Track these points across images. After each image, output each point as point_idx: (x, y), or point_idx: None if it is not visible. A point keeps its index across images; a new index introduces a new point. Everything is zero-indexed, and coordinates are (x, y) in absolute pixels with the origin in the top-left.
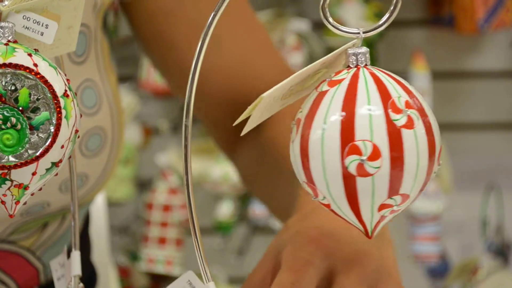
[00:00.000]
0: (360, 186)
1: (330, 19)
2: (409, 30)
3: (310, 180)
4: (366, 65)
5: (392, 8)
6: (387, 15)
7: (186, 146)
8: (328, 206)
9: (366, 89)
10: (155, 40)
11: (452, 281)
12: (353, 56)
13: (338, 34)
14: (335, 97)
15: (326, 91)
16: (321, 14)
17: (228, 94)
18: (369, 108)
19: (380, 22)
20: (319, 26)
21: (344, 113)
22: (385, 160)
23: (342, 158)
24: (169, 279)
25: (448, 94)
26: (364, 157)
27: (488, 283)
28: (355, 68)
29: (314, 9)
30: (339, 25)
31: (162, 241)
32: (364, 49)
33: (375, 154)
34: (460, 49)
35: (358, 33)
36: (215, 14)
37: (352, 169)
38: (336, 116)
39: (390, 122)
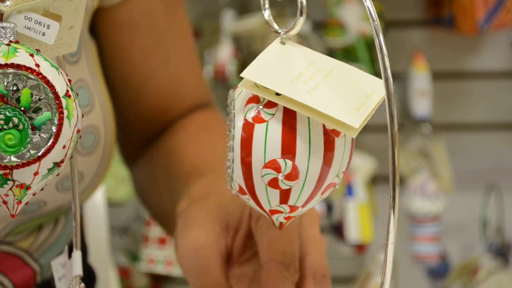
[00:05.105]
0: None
1: (267, 12)
2: (409, 30)
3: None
4: None
5: (299, 9)
6: (300, 16)
7: (393, 153)
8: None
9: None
10: (115, 50)
11: (452, 281)
12: None
13: (338, 34)
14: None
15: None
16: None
17: (157, 110)
18: None
19: (298, 21)
20: (319, 26)
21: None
22: None
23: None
24: (170, 279)
25: (448, 94)
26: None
27: (488, 284)
28: None
29: (314, 9)
30: (273, 22)
31: (162, 241)
32: None
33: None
34: (460, 49)
35: (280, 32)
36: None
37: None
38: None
39: None
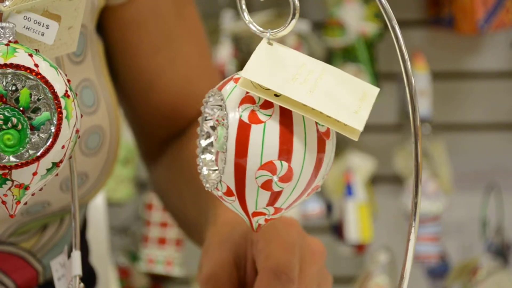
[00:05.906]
0: None
1: (246, 14)
2: (409, 30)
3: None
4: None
5: (292, 10)
6: (291, 18)
7: (416, 145)
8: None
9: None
10: (124, 48)
11: (452, 281)
12: None
13: (337, 34)
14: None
15: None
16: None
17: (169, 109)
18: None
19: (290, 23)
20: (319, 26)
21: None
22: None
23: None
24: (169, 279)
25: (448, 94)
26: None
27: (488, 284)
28: None
29: (314, 9)
30: (254, 24)
31: (162, 241)
32: None
33: None
34: (460, 49)
35: (266, 33)
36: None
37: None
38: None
39: None
